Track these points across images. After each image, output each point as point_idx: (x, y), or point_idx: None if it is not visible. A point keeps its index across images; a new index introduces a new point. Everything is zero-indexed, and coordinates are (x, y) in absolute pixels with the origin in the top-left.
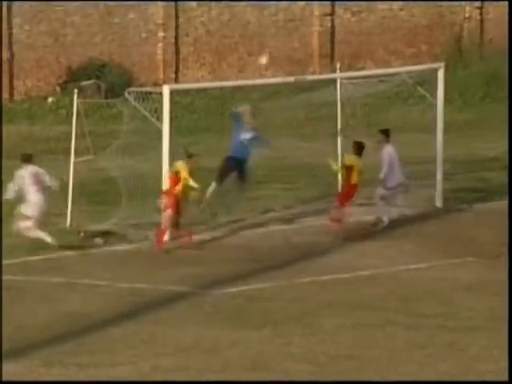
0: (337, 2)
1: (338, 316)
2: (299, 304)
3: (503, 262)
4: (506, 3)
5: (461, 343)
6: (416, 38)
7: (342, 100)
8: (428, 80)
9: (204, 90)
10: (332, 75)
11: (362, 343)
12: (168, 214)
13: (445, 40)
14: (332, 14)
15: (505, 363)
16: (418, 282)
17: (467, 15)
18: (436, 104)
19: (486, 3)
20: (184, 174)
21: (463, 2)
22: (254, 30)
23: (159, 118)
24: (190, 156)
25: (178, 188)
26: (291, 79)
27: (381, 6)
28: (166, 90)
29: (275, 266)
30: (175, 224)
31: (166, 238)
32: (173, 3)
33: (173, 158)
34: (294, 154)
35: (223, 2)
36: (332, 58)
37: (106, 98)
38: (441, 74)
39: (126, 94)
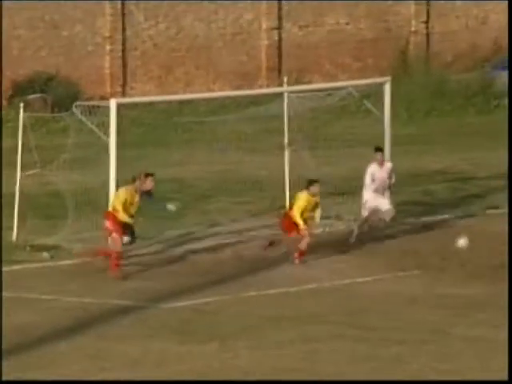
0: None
1: (284, 329)
2: (246, 318)
3: (448, 276)
4: (452, 17)
5: (406, 356)
6: (362, 52)
7: (289, 114)
8: (374, 94)
9: (151, 103)
10: (279, 89)
11: (307, 357)
12: (114, 237)
13: (391, 54)
14: (279, 27)
15: (451, 376)
16: (364, 295)
17: (413, 29)
18: (383, 118)
19: (432, 18)
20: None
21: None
22: (202, 43)
23: (106, 132)
24: (134, 179)
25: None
26: (238, 93)
27: (328, 20)
28: (112, 104)
29: (222, 279)
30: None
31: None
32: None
33: (120, 172)
34: (242, 168)
35: (171, 16)
36: (279, 71)
37: (53, 111)
38: (387, 88)
39: (73, 108)
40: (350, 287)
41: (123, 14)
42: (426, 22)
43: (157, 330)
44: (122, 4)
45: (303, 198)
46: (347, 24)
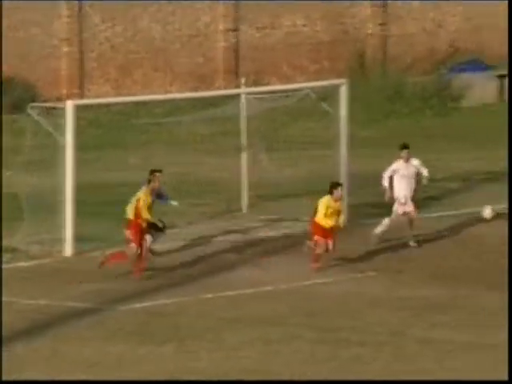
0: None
1: (243, 331)
2: (204, 320)
3: (406, 277)
4: (409, 20)
5: (366, 357)
6: (319, 54)
7: (247, 115)
8: (331, 96)
9: (108, 105)
10: (237, 90)
11: (267, 358)
12: (131, 247)
13: (348, 56)
14: (236, 29)
15: (409, 377)
16: (323, 297)
17: (370, 32)
18: (339, 119)
19: (388, 20)
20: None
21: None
22: (159, 45)
23: (63, 134)
24: (148, 181)
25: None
26: (195, 94)
27: (284, 22)
28: (69, 106)
29: (180, 281)
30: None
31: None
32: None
33: (76, 174)
34: (199, 170)
35: (128, 17)
36: (237, 73)
37: (10, 113)
38: (343, 90)
39: (29, 110)
40: (308, 289)
41: (80, 16)
42: (383, 25)
43: (115, 332)
44: (79, 6)
45: (323, 203)
46: (304, 26)
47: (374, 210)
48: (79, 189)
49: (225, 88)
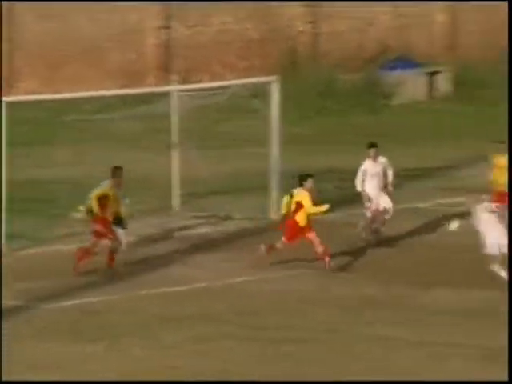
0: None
1: (175, 329)
2: (137, 317)
3: (341, 275)
4: (339, 18)
5: (300, 355)
6: (249, 52)
7: (178, 112)
8: (263, 93)
9: (38, 102)
10: (168, 88)
11: (199, 356)
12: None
13: (278, 54)
14: (168, 27)
15: (349, 376)
16: (256, 294)
17: (300, 29)
18: (271, 117)
19: (318, 18)
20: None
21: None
22: (90, 42)
23: None
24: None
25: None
26: (126, 91)
27: (215, 20)
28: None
29: (112, 279)
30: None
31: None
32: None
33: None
34: (131, 167)
35: (58, 15)
36: (168, 70)
37: None
38: (274, 87)
39: None
40: (242, 286)
41: (9, 13)
42: (313, 23)
43: (43, 330)
44: (9, 3)
45: (306, 195)
46: (235, 24)
47: None
48: (7, 185)
49: (156, 85)
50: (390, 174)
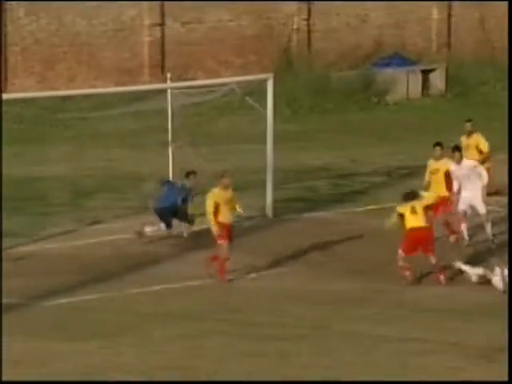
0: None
1: (167, 326)
2: (128, 315)
3: (329, 271)
4: (333, 15)
5: (289, 352)
6: (245, 49)
7: (173, 110)
8: (257, 90)
9: (33, 99)
10: (162, 85)
11: (190, 353)
12: (222, 244)
13: (273, 51)
14: (162, 24)
15: (332, 371)
16: (248, 292)
17: (295, 27)
18: (266, 114)
19: (313, 15)
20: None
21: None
22: (84, 39)
23: None
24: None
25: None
26: (121, 89)
27: (210, 17)
28: None
29: (104, 276)
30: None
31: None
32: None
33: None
34: (125, 164)
35: (52, 11)
36: (162, 68)
37: None
38: (270, 85)
39: None
40: (232, 284)
41: (3, 10)
42: (308, 20)
43: (37, 328)
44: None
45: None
46: (229, 21)
47: (299, 204)
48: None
49: (150, 83)
50: (484, 179)
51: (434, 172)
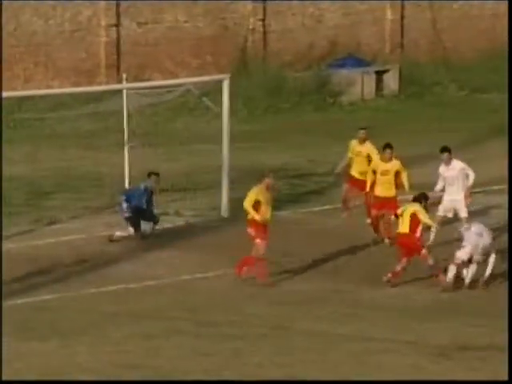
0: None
1: (125, 326)
2: (86, 315)
3: (288, 272)
4: (289, 15)
5: (247, 350)
6: (201, 50)
7: (129, 111)
8: (213, 91)
9: None
10: (118, 86)
11: (148, 352)
12: (260, 243)
13: (230, 51)
14: (118, 24)
15: (291, 370)
16: (205, 291)
17: (251, 27)
18: (222, 114)
19: (268, 15)
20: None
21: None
22: (40, 40)
23: None
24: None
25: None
26: (78, 89)
27: (166, 17)
28: None
29: (62, 277)
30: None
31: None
32: None
33: None
34: (82, 164)
35: (8, 11)
36: (118, 68)
37: None
38: (226, 85)
39: None
40: (190, 283)
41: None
42: (263, 20)
43: None
44: None
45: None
46: (186, 22)
47: None
48: None
49: (107, 83)
50: (470, 180)
51: (384, 173)
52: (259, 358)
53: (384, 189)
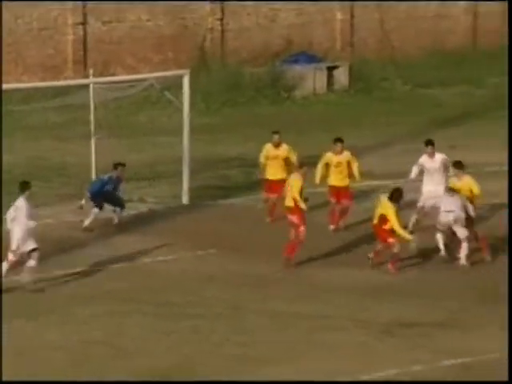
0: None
1: (90, 306)
2: (52, 295)
3: (242, 255)
4: (245, 15)
5: (205, 329)
6: (163, 47)
7: (95, 104)
8: (174, 86)
9: None
10: (85, 80)
11: (112, 331)
12: (303, 230)
13: (190, 50)
14: (84, 23)
15: (248, 347)
16: (165, 274)
17: (210, 26)
18: (182, 108)
19: (225, 15)
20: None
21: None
22: (10, 38)
23: None
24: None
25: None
26: (47, 84)
27: (129, 16)
28: None
29: None
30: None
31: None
32: None
33: None
34: (51, 155)
35: None
36: (85, 64)
37: None
38: (186, 81)
39: None
40: (150, 266)
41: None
42: (221, 20)
43: None
44: None
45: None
46: (148, 21)
47: (214, 192)
48: None
49: (74, 78)
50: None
51: (337, 165)
52: (218, 337)
53: (338, 179)
